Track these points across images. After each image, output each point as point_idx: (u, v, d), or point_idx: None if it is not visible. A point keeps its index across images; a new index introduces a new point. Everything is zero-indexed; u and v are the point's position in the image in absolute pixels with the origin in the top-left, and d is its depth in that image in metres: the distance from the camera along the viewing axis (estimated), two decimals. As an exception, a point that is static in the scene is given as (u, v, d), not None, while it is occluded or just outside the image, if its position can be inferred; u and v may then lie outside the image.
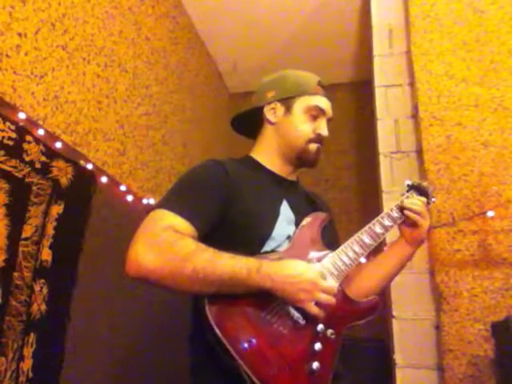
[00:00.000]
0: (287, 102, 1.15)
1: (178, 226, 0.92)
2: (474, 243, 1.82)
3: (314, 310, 0.90)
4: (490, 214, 1.78)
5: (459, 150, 1.96)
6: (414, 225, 1.13)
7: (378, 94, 2.31)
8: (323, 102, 1.16)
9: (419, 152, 2.09)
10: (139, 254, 0.88)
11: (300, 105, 1.15)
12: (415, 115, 2.17)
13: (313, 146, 1.14)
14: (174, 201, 0.99)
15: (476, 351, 1.70)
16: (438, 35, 2.17)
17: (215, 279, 0.87)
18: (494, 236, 1.80)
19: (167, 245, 0.89)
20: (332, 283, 0.96)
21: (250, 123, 1.23)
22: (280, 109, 1.16)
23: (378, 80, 2.34)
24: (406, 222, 1.13)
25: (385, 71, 2.34)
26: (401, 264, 1.17)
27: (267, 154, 1.18)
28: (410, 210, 1.11)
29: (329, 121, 1.18)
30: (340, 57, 3.43)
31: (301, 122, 1.14)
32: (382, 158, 2.19)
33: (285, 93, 1.16)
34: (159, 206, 0.97)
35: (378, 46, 2.39)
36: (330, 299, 0.91)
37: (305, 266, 0.93)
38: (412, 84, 2.21)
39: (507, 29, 2.08)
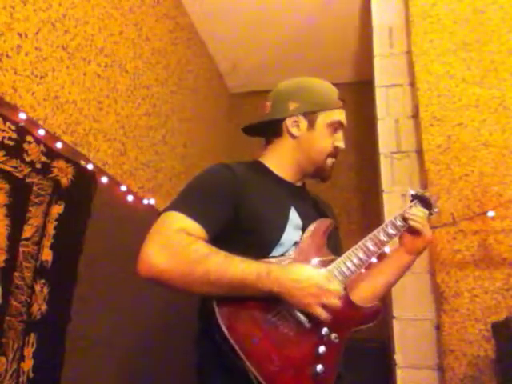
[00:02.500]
0: (311, 116, 1.15)
1: (190, 228, 0.94)
2: (474, 243, 1.82)
3: (321, 313, 0.91)
4: (491, 214, 1.78)
5: (460, 150, 1.96)
6: (415, 234, 1.15)
7: (379, 94, 2.31)
8: (344, 116, 1.18)
9: (419, 152, 2.09)
10: (152, 255, 0.89)
11: (323, 120, 1.15)
12: (416, 115, 2.17)
13: (330, 161, 1.17)
14: (185, 204, 1.00)
15: (476, 351, 1.70)
16: (439, 35, 2.17)
17: (225, 282, 0.89)
18: (494, 236, 1.80)
19: (180, 247, 0.90)
20: (337, 286, 0.97)
21: (264, 129, 1.22)
22: (303, 123, 1.15)
23: (379, 80, 2.34)
24: (408, 230, 1.16)
25: (385, 71, 2.34)
26: (400, 272, 1.19)
27: (281, 163, 1.18)
28: (412, 220, 1.14)
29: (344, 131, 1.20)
30: (340, 57, 3.43)
31: (323, 137, 1.15)
32: (382, 158, 2.20)
33: (309, 107, 1.15)
34: (170, 208, 0.98)
35: (379, 46, 2.39)
36: (335, 302, 0.93)
37: (312, 271, 0.94)
38: (412, 84, 2.21)
39: (507, 29, 2.08)
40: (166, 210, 0.98)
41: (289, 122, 1.15)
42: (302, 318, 0.93)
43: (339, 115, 1.17)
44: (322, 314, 0.91)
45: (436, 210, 1.22)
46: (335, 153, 1.17)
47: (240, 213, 1.02)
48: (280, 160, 1.18)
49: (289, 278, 0.91)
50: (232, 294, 0.90)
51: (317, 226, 1.09)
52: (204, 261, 0.89)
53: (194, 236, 0.93)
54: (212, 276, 0.88)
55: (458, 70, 2.08)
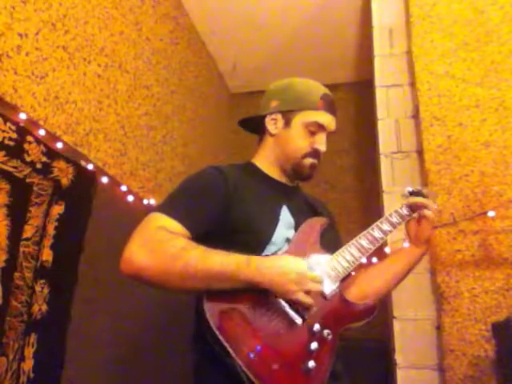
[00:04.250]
0: (288, 114, 1.15)
1: (171, 227, 0.95)
2: (474, 243, 1.82)
3: (304, 298, 0.92)
4: (491, 214, 1.78)
5: (460, 150, 1.96)
6: (417, 223, 1.16)
7: (379, 94, 2.31)
8: (323, 118, 1.13)
9: (420, 152, 2.09)
10: (132, 253, 0.91)
11: (299, 119, 1.14)
12: (416, 115, 2.17)
13: (307, 161, 1.14)
14: (170, 205, 1.02)
15: (477, 351, 1.70)
16: (439, 35, 2.16)
17: (205, 275, 0.89)
18: (494, 236, 1.80)
19: (159, 243, 0.91)
20: (318, 273, 0.97)
21: (255, 126, 1.25)
22: (280, 121, 1.16)
23: (379, 80, 2.34)
24: (411, 222, 1.17)
25: (385, 71, 2.34)
26: (409, 266, 1.19)
27: (267, 162, 1.20)
28: (414, 201, 1.16)
29: (331, 133, 1.17)
30: (340, 57, 3.43)
31: (298, 136, 1.14)
32: (382, 158, 2.19)
33: (286, 105, 1.16)
34: (155, 210, 1.00)
35: (379, 46, 2.39)
36: (317, 287, 0.93)
37: (291, 259, 0.94)
38: (413, 84, 2.21)
39: (508, 29, 2.08)
40: (151, 211, 1.00)
41: (268, 119, 1.18)
42: (293, 314, 0.93)
43: (318, 117, 1.13)
44: (306, 298, 0.91)
45: (435, 205, 1.23)
46: (314, 154, 1.14)
47: (231, 214, 1.03)
48: (265, 158, 1.20)
49: (268, 265, 0.91)
50: (213, 287, 0.90)
51: (309, 224, 1.10)
52: (182, 255, 0.90)
53: (174, 233, 0.94)
54: (191, 269, 0.88)
55: (458, 70, 2.08)
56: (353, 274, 1.11)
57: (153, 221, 0.97)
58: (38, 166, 1.53)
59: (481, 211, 1.82)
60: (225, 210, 1.03)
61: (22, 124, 1.47)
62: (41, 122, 1.60)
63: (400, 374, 1.85)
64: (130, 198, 2.06)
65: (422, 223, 1.15)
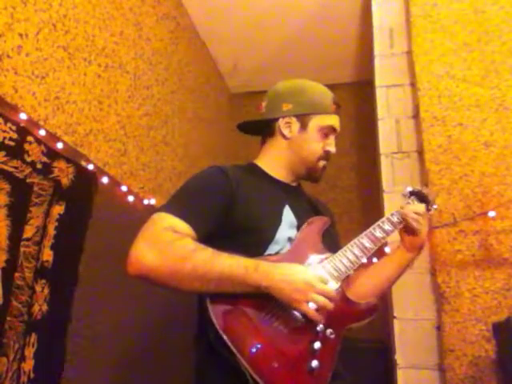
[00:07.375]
0: (303, 118, 1.16)
1: (177, 227, 0.95)
2: (475, 243, 1.82)
3: (308, 311, 0.91)
4: (492, 214, 1.78)
5: (460, 151, 1.96)
6: (412, 232, 1.15)
7: (379, 94, 2.31)
8: (336, 122, 1.19)
9: (420, 152, 2.09)
10: (140, 254, 0.91)
11: (316, 123, 1.16)
12: (416, 115, 2.17)
13: (321, 164, 1.18)
14: (175, 205, 1.02)
15: (477, 351, 1.70)
16: (439, 35, 2.17)
17: (213, 277, 0.89)
18: (495, 236, 1.80)
19: (167, 244, 0.91)
20: (330, 287, 0.97)
21: (259, 129, 1.24)
22: (295, 124, 1.17)
23: (379, 80, 2.34)
24: (405, 228, 1.16)
25: (386, 71, 2.34)
26: (400, 269, 1.19)
27: (274, 164, 1.20)
28: (407, 216, 1.13)
29: (336, 136, 1.21)
30: (341, 57, 3.43)
31: (314, 140, 1.16)
32: (383, 158, 2.20)
33: (302, 109, 1.16)
34: (160, 209, 1.00)
35: (379, 46, 2.39)
36: (325, 302, 0.92)
37: (302, 268, 0.95)
38: (413, 84, 2.21)
39: (508, 29, 2.08)
40: (157, 211, 1.00)
41: (281, 122, 1.17)
42: (296, 314, 0.93)
43: (332, 120, 1.18)
44: (310, 311, 0.91)
45: (435, 206, 1.23)
46: (326, 156, 1.18)
47: (234, 213, 1.03)
48: (273, 161, 1.20)
49: (277, 272, 0.91)
50: (221, 289, 0.90)
51: (311, 224, 1.11)
52: (191, 256, 0.90)
53: (180, 233, 0.94)
54: (200, 271, 0.89)
55: (458, 69, 2.08)
56: (351, 273, 1.11)
57: (159, 221, 0.96)
58: (39, 166, 1.53)
59: (481, 211, 1.82)
60: (228, 209, 1.03)
61: (22, 124, 1.47)
62: (41, 123, 1.60)
63: (400, 374, 1.85)
64: (130, 199, 2.06)
65: (415, 233, 1.14)
